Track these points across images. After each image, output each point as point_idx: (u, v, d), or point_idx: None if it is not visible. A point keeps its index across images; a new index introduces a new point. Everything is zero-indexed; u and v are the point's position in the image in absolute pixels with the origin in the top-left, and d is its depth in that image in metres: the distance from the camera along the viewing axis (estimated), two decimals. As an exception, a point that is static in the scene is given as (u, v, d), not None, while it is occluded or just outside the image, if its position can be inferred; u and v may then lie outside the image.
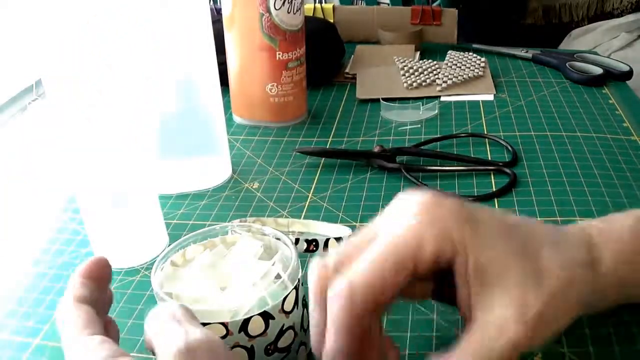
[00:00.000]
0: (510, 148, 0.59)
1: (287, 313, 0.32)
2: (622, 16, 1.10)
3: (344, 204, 0.52)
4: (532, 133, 0.62)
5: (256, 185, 0.56)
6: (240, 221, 0.43)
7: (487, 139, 0.62)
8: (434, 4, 0.89)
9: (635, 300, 0.35)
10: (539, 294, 0.29)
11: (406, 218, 0.30)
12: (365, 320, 0.28)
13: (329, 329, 0.28)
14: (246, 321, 0.31)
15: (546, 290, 0.29)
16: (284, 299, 0.32)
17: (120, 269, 0.46)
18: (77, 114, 0.40)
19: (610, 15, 1.13)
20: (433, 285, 0.34)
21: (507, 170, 0.54)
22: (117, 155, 0.43)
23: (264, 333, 0.31)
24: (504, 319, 0.28)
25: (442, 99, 0.71)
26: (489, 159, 0.58)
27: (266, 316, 0.31)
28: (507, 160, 0.57)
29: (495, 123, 0.65)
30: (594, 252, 0.32)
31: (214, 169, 0.57)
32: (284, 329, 0.32)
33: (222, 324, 0.30)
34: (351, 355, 0.28)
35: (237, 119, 0.68)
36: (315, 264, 0.31)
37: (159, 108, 0.51)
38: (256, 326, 0.31)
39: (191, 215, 0.52)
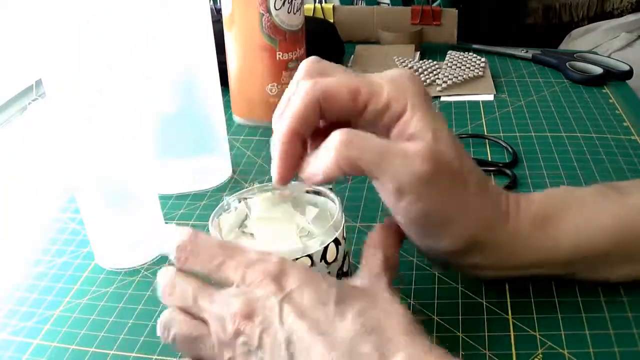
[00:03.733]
0: (510, 149, 0.58)
1: (344, 239, 0.38)
2: (622, 16, 1.11)
3: (344, 203, 0.52)
4: (532, 133, 0.62)
5: (256, 185, 0.56)
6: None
7: (487, 140, 0.62)
8: (434, 4, 0.89)
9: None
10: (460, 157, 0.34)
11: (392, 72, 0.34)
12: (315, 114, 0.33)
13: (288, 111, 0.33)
14: (325, 250, 0.35)
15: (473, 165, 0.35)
16: (342, 228, 0.38)
17: (120, 269, 0.46)
18: (77, 114, 0.40)
19: (610, 15, 1.13)
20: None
21: (507, 171, 0.54)
22: (117, 156, 0.43)
23: (336, 259, 0.37)
24: (416, 140, 0.32)
25: (442, 99, 0.71)
26: (489, 159, 0.58)
27: (336, 243, 0.36)
28: (507, 161, 0.57)
29: (495, 123, 0.65)
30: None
31: (214, 169, 0.57)
32: (345, 253, 0.38)
33: (309, 256, 0.35)
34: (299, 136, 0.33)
35: (237, 119, 0.68)
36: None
37: (159, 108, 0.51)
38: (331, 253, 0.36)
39: (191, 216, 0.52)
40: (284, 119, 0.33)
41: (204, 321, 0.31)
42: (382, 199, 0.35)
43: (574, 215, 0.36)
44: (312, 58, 0.35)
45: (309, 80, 0.33)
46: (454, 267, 0.39)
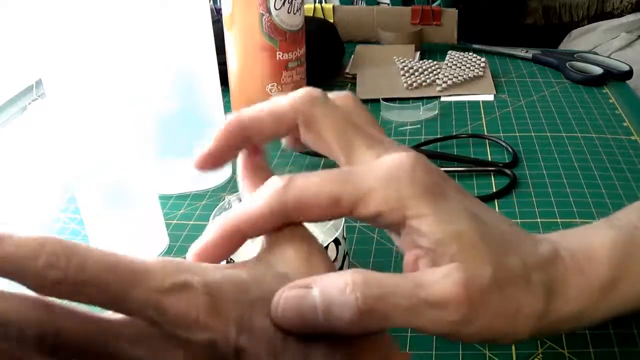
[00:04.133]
0: (510, 149, 0.58)
1: (344, 239, 0.38)
2: (622, 16, 1.11)
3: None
4: (532, 133, 0.62)
5: (256, 185, 0.56)
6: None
7: (487, 140, 0.62)
8: (434, 4, 0.89)
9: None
10: (491, 274, 0.26)
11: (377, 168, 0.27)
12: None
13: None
14: (325, 250, 0.33)
15: (503, 279, 0.27)
16: (343, 228, 0.37)
17: (120, 269, 0.45)
18: (77, 114, 0.40)
19: (610, 15, 1.13)
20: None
21: (507, 171, 0.54)
22: (117, 156, 0.43)
23: (335, 259, 0.36)
24: (443, 273, 0.25)
25: (442, 99, 0.71)
26: (489, 159, 0.58)
27: (336, 243, 0.36)
28: (507, 161, 0.57)
29: (495, 123, 0.65)
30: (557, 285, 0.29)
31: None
32: (345, 253, 0.38)
33: None
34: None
35: (237, 119, 0.68)
36: None
37: (159, 108, 0.51)
38: (331, 253, 0.36)
39: (191, 216, 0.52)
40: (230, 217, 0.27)
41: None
42: None
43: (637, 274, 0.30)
44: (307, 93, 0.29)
45: (279, 182, 0.26)
46: None
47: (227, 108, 0.65)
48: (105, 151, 0.42)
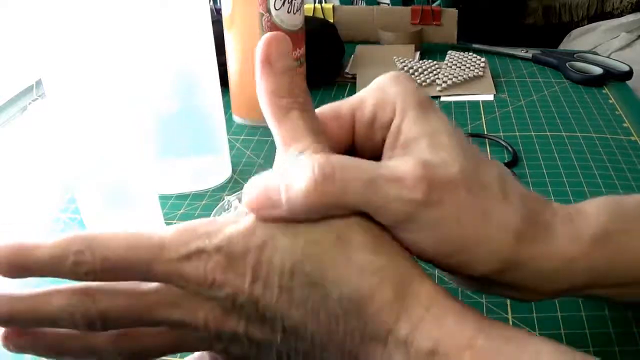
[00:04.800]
0: (510, 148, 0.59)
1: None
2: (622, 16, 1.10)
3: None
4: (532, 133, 0.62)
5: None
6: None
7: (487, 139, 0.62)
8: (434, 4, 0.89)
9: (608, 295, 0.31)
10: (462, 172, 0.26)
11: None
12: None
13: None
14: None
15: (475, 179, 0.27)
16: None
17: (120, 269, 0.46)
18: (77, 114, 0.40)
19: (610, 15, 1.13)
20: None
21: (507, 170, 0.54)
22: (117, 156, 0.43)
23: None
24: (405, 159, 0.26)
25: (442, 99, 0.71)
26: (489, 159, 0.58)
27: None
28: (507, 160, 0.57)
29: (495, 123, 0.65)
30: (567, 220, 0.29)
31: (214, 169, 0.57)
32: None
33: None
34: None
35: (237, 119, 0.68)
36: None
37: (159, 108, 0.51)
38: None
39: (191, 216, 0.52)
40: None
41: (164, 328, 0.28)
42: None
43: (637, 232, 0.30)
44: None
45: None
46: (488, 292, 0.32)
47: (227, 108, 0.65)
48: (105, 151, 0.42)
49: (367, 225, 0.26)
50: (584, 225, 0.29)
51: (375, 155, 0.29)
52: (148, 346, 0.28)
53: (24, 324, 0.26)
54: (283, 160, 0.28)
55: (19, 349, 0.27)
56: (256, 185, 0.26)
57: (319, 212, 0.25)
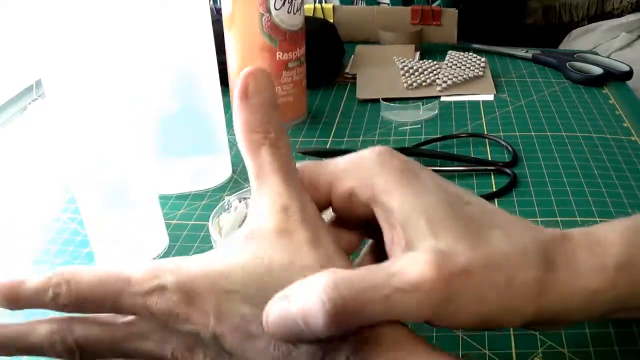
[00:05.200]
0: (510, 148, 0.59)
1: None
2: (622, 16, 1.11)
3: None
4: (532, 133, 0.62)
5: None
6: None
7: (487, 139, 0.62)
8: (434, 4, 0.89)
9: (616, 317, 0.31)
10: (473, 250, 0.25)
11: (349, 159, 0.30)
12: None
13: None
14: None
15: (485, 251, 0.26)
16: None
17: (120, 269, 0.46)
18: (77, 114, 0.40)
19: (610, 15, 1.13)
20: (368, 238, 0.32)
21: (507, 171, 0.54)
22: (117, 156, 0.43)
23: None
24: (414, 257, 0.25)
25: (442, 99, 0.71)
26: (489, 159, 0.58)
27: None
28: (507, 160, 0.57)
29: (495, 123, 0.65)
30: (560, 254, 0.28)
31: (214, 169, 0.57)
32: None
33: None
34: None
35: (237, 119, 0.68)
36: None
37: (159, 108, 0.51)
38: None
39: (191, 216, 0.52)
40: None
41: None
42: None
43: None
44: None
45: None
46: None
47: (227, 108, 0.65)
48: (105, 151, 0.42)
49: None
50: (606, 254, 0.28)
51: (353, 219, 0.30)
52: None
53: (10, 350, 0.29)
54: (254, 203, 0.28)
55: None
56: (273, 314, 0.25)
57: (341, 333, 0.25)
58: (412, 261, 0.25)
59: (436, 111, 0.68)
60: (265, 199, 0.27)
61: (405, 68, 0.77)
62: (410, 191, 0.27)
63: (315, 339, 0.24)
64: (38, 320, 0.29)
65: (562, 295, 0.27)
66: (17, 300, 0.28)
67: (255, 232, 0.27)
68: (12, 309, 0.29)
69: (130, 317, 0.28)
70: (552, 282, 0.27)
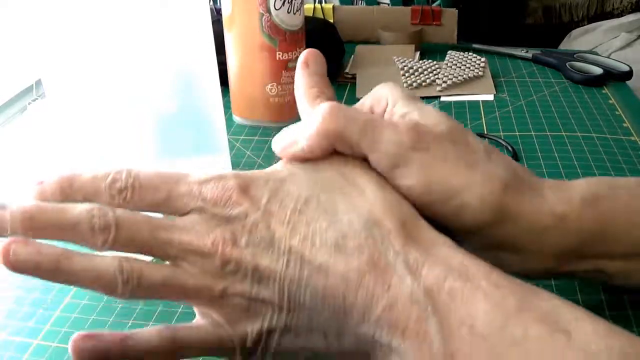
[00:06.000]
0: (510, 148, 0.59)
1: None
2: (622, 16, 1.11)
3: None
4: (532, 133, 0.62)
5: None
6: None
7: (487, 139, 0.62)
8: (434, 4, 0.89)
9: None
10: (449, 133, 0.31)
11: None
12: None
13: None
14: None
15: (462, 141, 0.31)
16: None
17: (120, 269, 0.46)
18: (77, 114, 0.40)
19: (610, 15, 1.13)
20: None
21: (507, 170, 0.54)
22: (117, 156, 0.43)
23: None
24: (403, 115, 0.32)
25: (442, 99, 0.71)
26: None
27: None
28: (507, 160, 0.57)
29: (495, 123, 0.65)
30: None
31: (214, 169, 0.56)
32: None
33: None
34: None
35: (237, 119, 0.68)
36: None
37: (159, 108, 0.51)
38: None
39: (191, 215, 0.52)
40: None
41: (170, 258, 0.28)
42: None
43: (627, 197, 0.32)
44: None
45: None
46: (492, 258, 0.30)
47: (227, 108, 0.65)
48: (105, 151, 0.42)
49: (370, 170, 0.30)
50: (573, 190, 0.31)
51: None
52: (149, 274, 0.27)
53: (44, 225, 0.26)
54: None
55: (19, 263, 0.25)
56: (282, 133, 0.32)
57: (328, 142, 0.30)
58: (401, 119, 0.32)
59: (436, 111, 0.68)
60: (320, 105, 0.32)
61: (405, 68, 0.77)
62: (410, 99, 0.33)
63: (307, 149, 0.30)
64: (80, 204, 0.27)
65: (527, 208, 0.30)
66: (71, 184, 0.28)
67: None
68: (62, 199, 0.28)
69: (174, 216, 0.28)
70: (519, 192, 0.30)
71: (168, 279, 0.27)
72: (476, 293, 0.25)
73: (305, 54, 0.35)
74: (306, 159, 0.31)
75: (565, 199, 0.31)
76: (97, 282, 0.26)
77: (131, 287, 0.26)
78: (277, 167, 0.31)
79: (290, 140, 0.31)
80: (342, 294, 0.26)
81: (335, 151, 0.31)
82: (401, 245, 0.26)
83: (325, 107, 0.30)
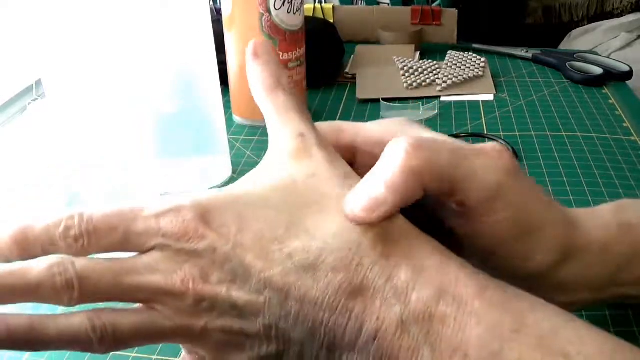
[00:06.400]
0: (510, 148, 0.59)
1: None
2: (622, 16, 1.11)
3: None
4: (532, 133, 0.62)
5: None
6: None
7: (487, 139, 0.62)
8: (434, 4, 0.89)
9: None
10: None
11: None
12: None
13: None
14: None
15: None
16: None
17: (120, 269, 0.46)
18: (77, 114, 0.40)
19: (610, 15, 1.13)
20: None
21: (507, 170, 0.54)
22: (117, 156, 0.43)
23: None
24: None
25: (442, 99, 0.71)
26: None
27: None
28: (507, 160, 0.57)
29: (495, 123, 0.65)
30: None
31: (214, 168, 0.57)
32: None
33: None
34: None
35: (237, 119, 0.68)
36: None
37: (159, 108, 0.51)
38: None
39: (191, 215, 0.52)
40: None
41: (142, 302, 0.26)
42: (453, 225, 0.29)
43: None
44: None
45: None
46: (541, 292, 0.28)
47: (227, 108, 0.65)
48: (105, 151, 0.42)
49: (333, 174, 0.28)
50: (605, 216, 0.31)
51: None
52: (123, 325, 0.25)
53: (7, 292, 0.25)
54: (276, 133, 0.30)
55: None
56: (353, 194, 0.25)
57: (415, 181, 0.25)
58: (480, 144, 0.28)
59: (436, 111, 0.68)
60: (284, 130, 0.29)
61: (405, 68, 0.77)
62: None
63: (394, 201, 0.25)
64: (37, 260, 0.25)
65: (584, 243, 0.29)
66: (25, 237, 0.25)
67: (275, 158, 0.29)
68: (20, 256, 0.25)
69: (137, 254, 0.26)
70: (575, 228, 0.29)
71: (144, 326, 0.26)
72: (470, 318, 0.23)
73: (252, 45, 0.32)
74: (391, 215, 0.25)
75: (604, 225, 0.30)
76: (73, 344, 0.25)
77: (108, 343, 0.25)
78: (234, 187, 0.28)
79: (368, 197, 0.25)
80: (327, 323, 0.24)
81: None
82: (386, 263, 0.24)
83: (402, 142, 0.25)
